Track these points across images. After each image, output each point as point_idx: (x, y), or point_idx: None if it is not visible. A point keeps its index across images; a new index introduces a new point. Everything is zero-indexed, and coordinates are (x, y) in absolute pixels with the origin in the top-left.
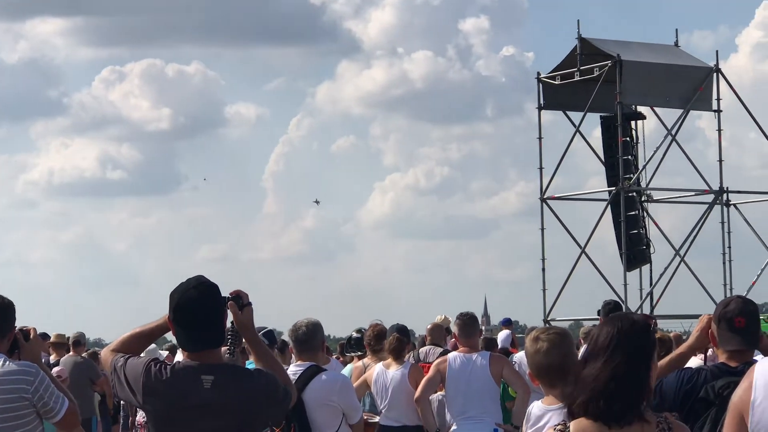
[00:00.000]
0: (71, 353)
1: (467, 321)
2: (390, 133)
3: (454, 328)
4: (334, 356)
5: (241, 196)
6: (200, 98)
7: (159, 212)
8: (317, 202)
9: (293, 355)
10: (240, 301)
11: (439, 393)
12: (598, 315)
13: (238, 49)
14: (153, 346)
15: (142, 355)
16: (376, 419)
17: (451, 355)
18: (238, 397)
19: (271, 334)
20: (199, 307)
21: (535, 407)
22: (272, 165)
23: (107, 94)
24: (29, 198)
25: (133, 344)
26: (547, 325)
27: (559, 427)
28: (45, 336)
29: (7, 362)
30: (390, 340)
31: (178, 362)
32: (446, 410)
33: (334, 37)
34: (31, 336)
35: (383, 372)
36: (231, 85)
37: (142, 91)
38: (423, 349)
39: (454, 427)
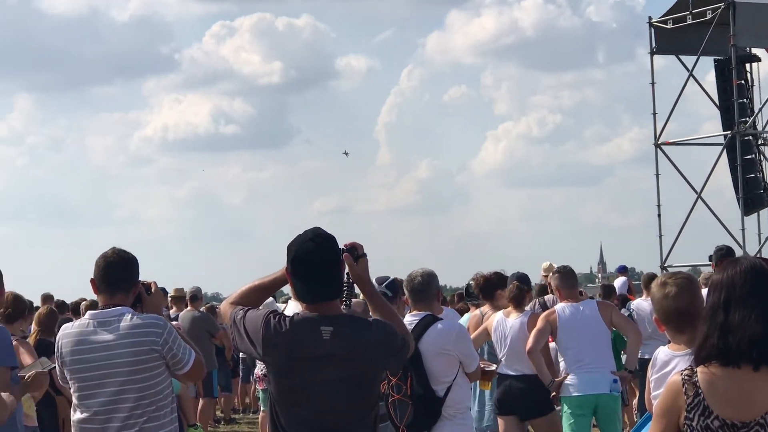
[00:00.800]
0: (189, 308)
1: (566, 273)
2: (501, 82)
3: (553, 283)
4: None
5: (354, 148)
6: (311, 51)
7: (272, 166)
8: (346, 153)
9: (409, 305)
10: (355, 252)
11: (551, 344)
12: (710, 261)
13: (346, 0)
14: (270, 299)
15: (260, 307)
16: (494, 367)
17: (559, 305)
18: (357, 348)
19: (393, 284)
20: (317, 259)
21: (662, 352)
22: (384, 116)
23: (218, 50)
24: (144, 155)
25: (252, 296)
26: (665, 271)
27: (686, 372)
28: (163, 291)
29: (134, 316)
30: (510, 288)
31: (297, 314)
32: (559, 360)
33: None
34: (153, 289)
35: (503, 320)
36: (341, 37)
37: (253, 45)
38: (548, 297)
39: (570, 377)
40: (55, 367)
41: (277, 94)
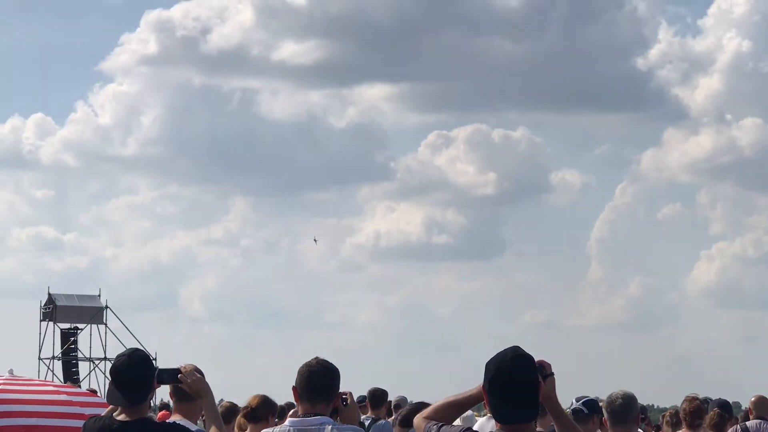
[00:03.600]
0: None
1: None
2: (717, 201)
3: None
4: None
5: (565, 263)
6: (526, 164)
7: (483, 277)
8: (315, 240)
9: (607, 427)
10: (543, 371)
11: None
12: None
13: (563, 114)
14: (469, 412)
15: (456, 422)
16: None
17: (750, 423)
18: None
19: (591, 403)
20: (516, 380)
21: None
22: (596, 232)
23: (433, 159)
24: (356, 261)
25: (447, 412)
26: None
27: None
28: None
29: (334, 427)
30: (711, 415)
31: None
32: None
33: (661, 104)
34: (349, 401)
35: None
36: (556, 151)
37: (468, 156)
38: (750, 423)
39: None
40: None
41: (490, 206)
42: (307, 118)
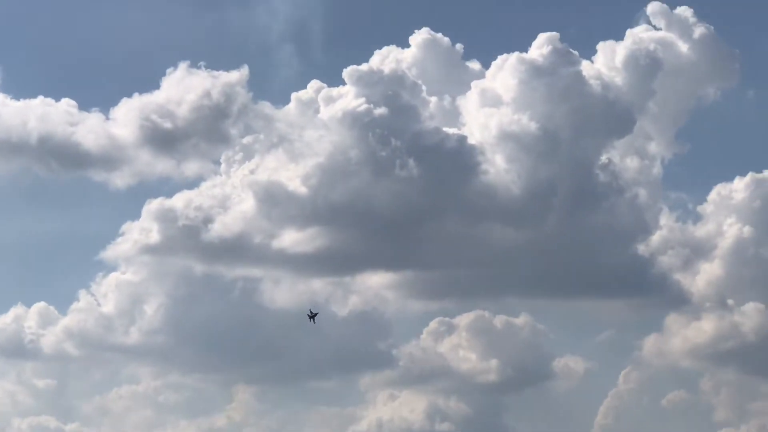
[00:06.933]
0: None
1: None
2: (721, 387)
3: None
4: None
5: None
6: (528, 350)
7: None
8: (311, 314)
9: None
10: None
11: None
12: None
13: (565, 301)
14: None
15: None
16: None
17: None
18: None
19: None
20: None
21: None
22: (601, 418)
23: (435, 346)
24: None
25: None
26: None
27: None
28: None
29: None
30: None
31: None
32: None
33: (663, 289)
34: None
35: None
36: (558, 338)
37: (470, 342)
38: None
39: None
40: None
41: (493, 393)
42: (309, 306)
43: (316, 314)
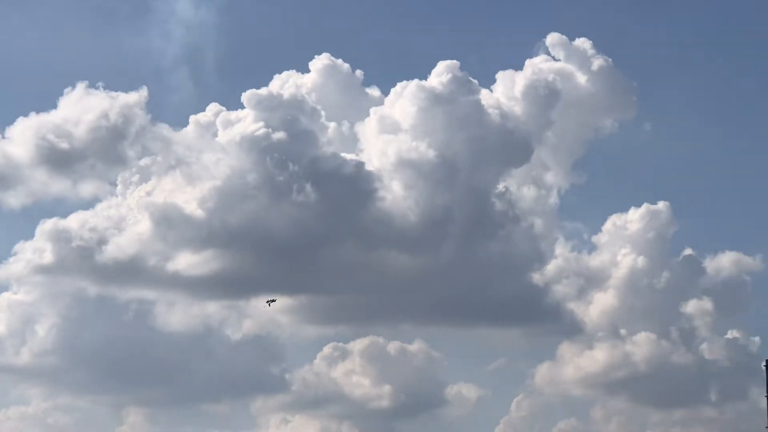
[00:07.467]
0: None
1: None
2: (611, 416)
3: None
4: None
5: None
6: (422, 377)
7: None
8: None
9: None
10: None
11: None
12: None
13: (460, 328)
14: None
15: None
16: None
17: None
18: None
19: None
20: None
21: None
22: None
23: (329, 371)
24: None
25: None
26: None
27: None
28: None
29: None
30: None
31: None
32: None
33: (557, 318)
34: None
35: None
36: (452, 365)
37: (364, 368)
38: None
39: None
40: None
41: (385, 419)
42: (203, 329)
43: (273, 300)
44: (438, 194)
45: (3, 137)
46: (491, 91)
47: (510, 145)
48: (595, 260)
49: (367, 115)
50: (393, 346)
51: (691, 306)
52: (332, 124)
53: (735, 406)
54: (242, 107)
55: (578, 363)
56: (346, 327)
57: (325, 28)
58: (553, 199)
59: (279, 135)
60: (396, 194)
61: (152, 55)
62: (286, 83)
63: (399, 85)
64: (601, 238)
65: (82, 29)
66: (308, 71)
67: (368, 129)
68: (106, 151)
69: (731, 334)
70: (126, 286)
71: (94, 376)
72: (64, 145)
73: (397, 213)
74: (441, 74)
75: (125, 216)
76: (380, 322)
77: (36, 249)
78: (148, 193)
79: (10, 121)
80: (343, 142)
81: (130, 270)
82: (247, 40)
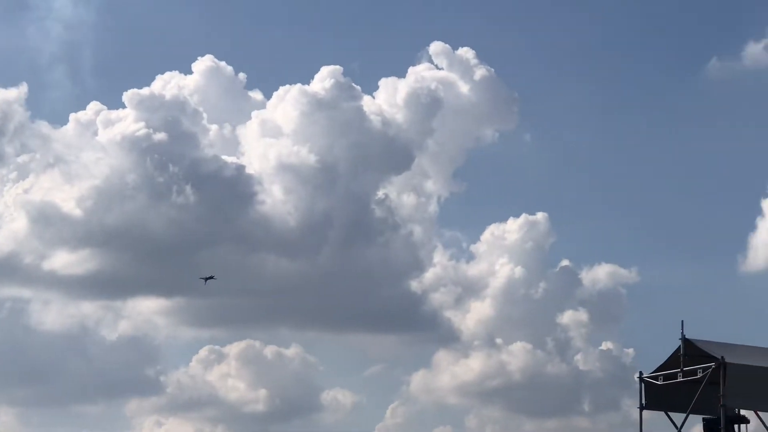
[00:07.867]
0: None
1: None
2: (486, 425)
3: None
4: None
5: None
6: (298, 381)
7: None
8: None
9: None
10: None
11: None
12: None
13: (337, 334)
14: None
15: None
16: None
17: None
18: None
19: None
20: None
21: None
22: None
23: (204, 374)
24: None
25: None
26: None
27: None
28: None
29: None
30: None
31: None
32: None
33: (433, 326)
34: None
35: None
36: (329, 370)
37: (240, 372)
38: None
39: None
40: None
41: (260, 423)
42: (79, 329)
43: (210, 277)
44: (318, 199)
45: None
46: (373, 97)
47: (391, 152)
48: (473, 269)
49: (249, 118)
50: (269, 350)
51: (567, 317)
52: (214, 127)
53: (608, 417)
54: (123, 107)
55: (454, 371)
56: (222, 330)
57: (208, 29)
58: (433, 207)
59: (160, 136)
60: (276, 198)
61: (30, 52)
62: (168, 84)
63: (282, 89)
64: (479, 248)
65: None
66: (191, 72)
67: (250, 132)
68: None
69: (605, 345)
70: (0, 285)
71: None
72: None
73: (277, 217)
74: (324, 79)
75: (1, 213)
76: (257, 326)
77: None
78: (26, 191)
79: None
80: (224, 144)
81: (5, 268)
82: (129, 39)
